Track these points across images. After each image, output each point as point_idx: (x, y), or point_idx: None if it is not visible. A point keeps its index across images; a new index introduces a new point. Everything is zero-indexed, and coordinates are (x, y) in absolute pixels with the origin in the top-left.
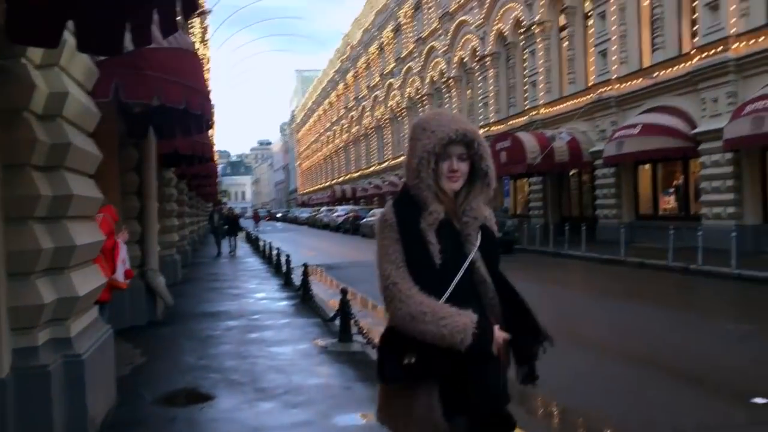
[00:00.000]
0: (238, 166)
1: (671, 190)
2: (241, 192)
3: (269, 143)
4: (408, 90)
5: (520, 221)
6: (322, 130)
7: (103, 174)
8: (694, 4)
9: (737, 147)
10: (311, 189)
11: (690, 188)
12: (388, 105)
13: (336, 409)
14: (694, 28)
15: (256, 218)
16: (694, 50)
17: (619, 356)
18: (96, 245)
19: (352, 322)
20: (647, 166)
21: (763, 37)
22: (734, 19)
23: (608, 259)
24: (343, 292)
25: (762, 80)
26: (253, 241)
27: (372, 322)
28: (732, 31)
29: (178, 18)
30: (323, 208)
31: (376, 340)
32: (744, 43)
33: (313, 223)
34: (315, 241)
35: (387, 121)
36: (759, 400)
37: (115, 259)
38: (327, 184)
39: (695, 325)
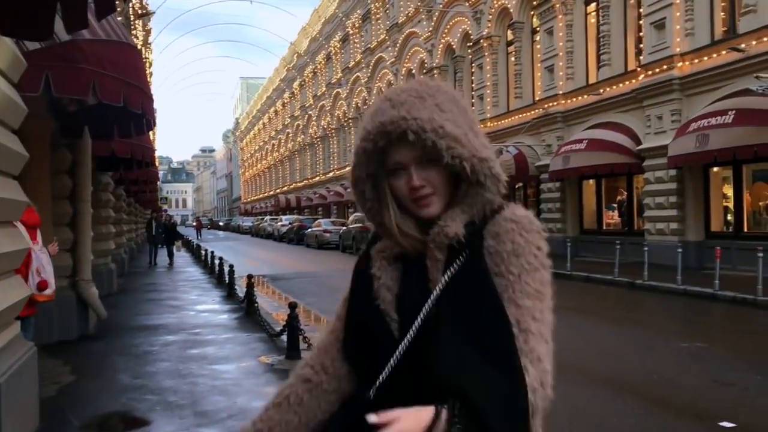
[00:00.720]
0: (180, 173)
1: (615, 205)
2: (182, 199)
3: (212, 150)
4: (355, 100)
5: None
6: (266, 138)
7: (31, 176)
8: (641, 22)
9: (681, 164)
10: (255, 198)
11: (634, 204)
12: (335, 115)
13: None
14: (640, 46)
15: (198, 226)
16: (640, 68)
17: (578, 376)
18: (19, 254)
19: (301, 337)
20: (592, 181)
21: (706, 57)
22: (679, 39)
23: (554, 273)
24: (292, 306)
25: (705, 99)
26: (194, 250)
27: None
28: (677, 50)
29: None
30: (267, 217)
31: None
32: (689, 62)
33: (256, 233)
34: (259, 250)
35: (333, 130)
36: (726, 424)
37: (26, 267)
38: (271, 193)
39: (650, 343)
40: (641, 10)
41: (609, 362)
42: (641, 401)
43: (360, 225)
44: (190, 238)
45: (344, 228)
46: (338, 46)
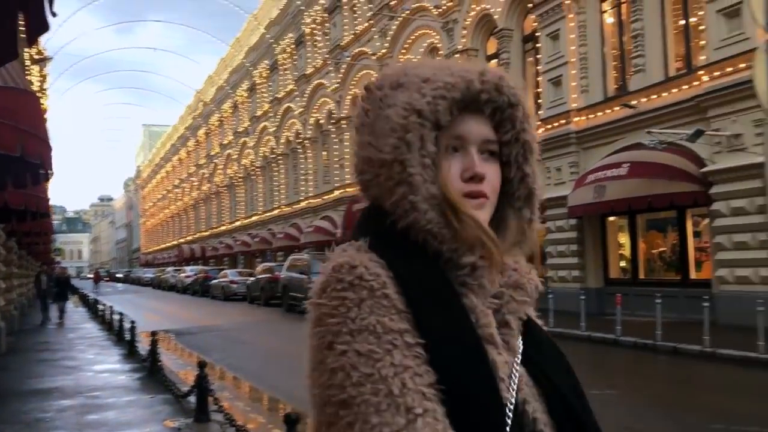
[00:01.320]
0: (75, 223)
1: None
2: (78, 250)
3: (111, 199)
4: (262, 149)
5: None
6: (170, 187)
7: None
8: (539, 79)
9: (580, 214)
10: (156, 248)
11: (536, 252)
12: (242, 163)
13: None
14: (539, 102)
15: (96, 278)
16: (539, 122)
17: None
18: None
19: (211, 398)
20: None
21: (600, 113)
22: (575, 95)
23: None
24: (201, 365)
25: (601, 152)
26: (90, 305)
27: (231, 397)
28: (573, 106)
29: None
30: (170, 268)
31: (238, 418)
32: (584, 117)
33: (158, 284)
34: (161, 303)
35: (240, 179)
36: None
37: None
38: (174, 242)
39: None
40: (539, 67)
41: None
42: None
43: (268, 275)
44: (86, 292)
45: (252, 278)
46: (245, 95)
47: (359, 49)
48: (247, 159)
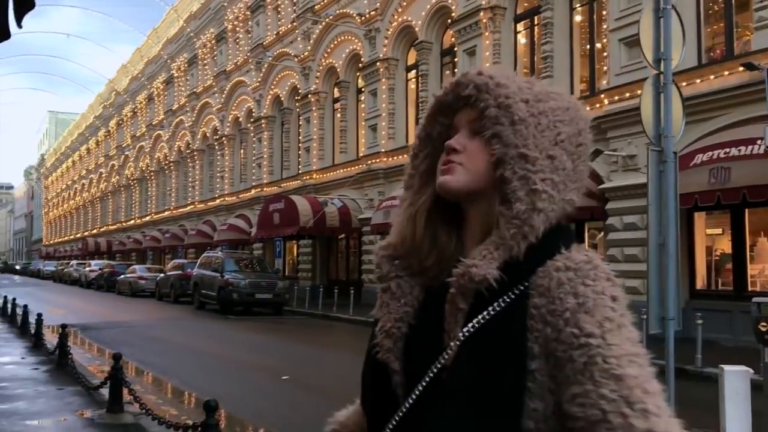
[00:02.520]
0: None
1: None
2: None
3: (11, 187)
4: (178, 144)
5: (290, 283)
6: (76, 178)
7: None
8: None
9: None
10: (59, 240)
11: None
12: (155, 157)
13: None
14: None
15: None
16: None
17: None
18: None
19: (126, 389)
20: None
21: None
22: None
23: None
24: (116, 357)
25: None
26: None
27: (143, 390)
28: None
29: None
30: (73, 262)
31: (154, 408)
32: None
33: (60, 278)
34: (64, 298)
35: (152, 173)
36: None
37: None
38: (78, 235)
39: None
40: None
41: None
42: None
43: (179, 272)
44: None
45: (162, 275)
46: (161, 87)
47: (282, 49)
48: (161, 153)
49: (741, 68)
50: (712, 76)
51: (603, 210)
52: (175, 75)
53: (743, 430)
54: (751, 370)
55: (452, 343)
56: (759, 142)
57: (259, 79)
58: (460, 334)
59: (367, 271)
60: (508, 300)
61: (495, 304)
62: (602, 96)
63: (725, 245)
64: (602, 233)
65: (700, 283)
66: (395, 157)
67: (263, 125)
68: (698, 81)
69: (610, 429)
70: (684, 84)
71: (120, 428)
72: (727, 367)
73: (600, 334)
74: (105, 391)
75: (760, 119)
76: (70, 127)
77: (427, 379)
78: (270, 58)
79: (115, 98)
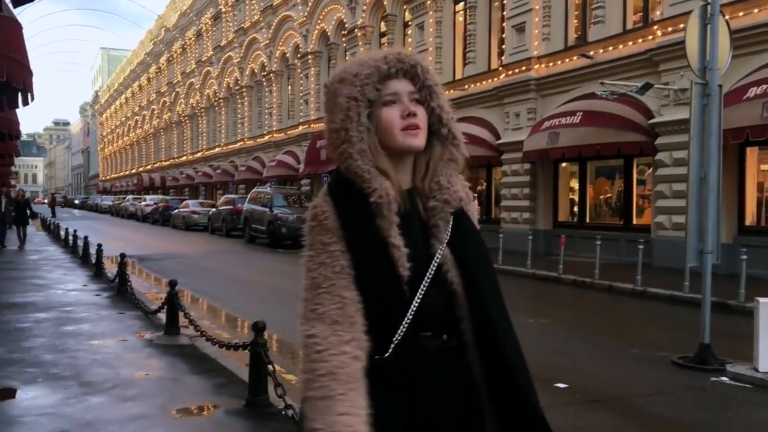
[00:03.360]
0: (30, 146)
1: (476, 195)
2: (32, 175)
3: (67, 123)
4: (226, 80)
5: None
6: (129, 114)
7: None
8: (504, 24)
9: (534, 159)
10: (115, 176)
11: (492, 194)
12: (205, 93)
13: (172, 401)
14: (503, 47)
15: (52, 204)
16: (502, 68)
17: None
18: None
19: (182, 314)
20: None
21: (560, 61)
22: (537, 43)
23: None
24: (172, 283)
25: (558, 99)
26: (51, 229)
27: (197, 316)
28: (534, 54)
29: None
30: (129, 197)
31: (208, 331)
32: (544, 65)
33: (117, 212)
34: (122, 230)
35: (202, 110)
36: (560, 385)
37: None
38: (133, 171)
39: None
40: (504, 13)
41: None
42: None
43: (230, 207)
44: (45, 217)
45: (213, 209)
46: (210, 23)
47: None
48: (210, 89)
49: None
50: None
51: (653, 145)
52: (223, 10)
53: None
54: None
55: (442, 246)
56: None
57: (306, 14)
58: (446, 237)
59: None
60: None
61: (465, 213)
62: (655, 27)
63: None
64: (651, 169)
65: (750, 219)
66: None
67: (310, 61)
68: (756, 11)
69: None
70: (740, 14)
71: (176, 348)
72: (762, 299)
73: (474, 224)
74: (162, 316)
75: None
76: (122, 63)
77: (429, 276)
78: None
79: (164, 34)
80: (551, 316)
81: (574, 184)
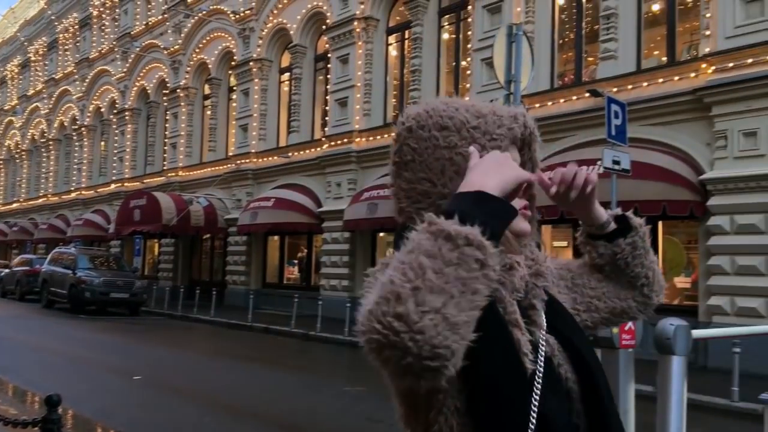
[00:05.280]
0: None
1: (296, 261)
2: None
3: None
4: (31, 131)
5: (149, 282)
6: None
7: None
8: (327, 97)
9: (354, 228)
10: None
11: (312, 261)
12: (5, 145)
13: None
14: (326, 119)
15: None
16: (325, 138)
17: (251, 419)
18: None
19: None
20: (276, 238)
21: (379, 136)
22: (358, 117)
23: (236, 323)
24: None
25: (377, 172)
26: None
27: None
28: (356, 127)
29: None
30: None
31: None
32: (365, 138)
33: None
34: None
35: (1, 162)
36: None
37: None
38: None
39: (319, 387)
40: (328, 86)
41: (281, 405)
42: None
43: (27, 268)
44: None
45: (6, 270)
46: (16, 70)
47: (150, 41)
48: (12, 140)
49: (587, 94)
50: (562, 100)
51: None
52: (32, 58)
53: None
54: None
55: (542, 332)
56: (598, 163)
57: (125, 70)
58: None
59: (231, 272)
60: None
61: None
62: None
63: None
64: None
65: None
66: (265, 158)
67: (127, 117)
68: (550, 104)
69: None
70: (537, 105)
71: None
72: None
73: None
74: None
75: (601, 142)
76: None
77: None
78: (138, 49)
79: None
80: (367, 384)
81: (390, 252)
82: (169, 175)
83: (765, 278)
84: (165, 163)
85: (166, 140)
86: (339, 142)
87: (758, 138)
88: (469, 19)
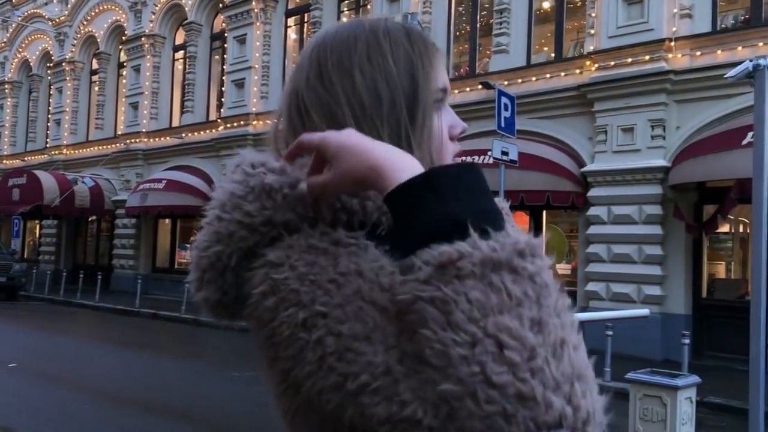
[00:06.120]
0: None
1: (188, 245)
2: None
3: None
4: None
5: (29, 266)
6: None
7: None
8: (223, 77)
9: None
10: None
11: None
12: None
13: None
14: (222, 99)
15: None
16: (220, 119)
17: (135, 406)
18: None
19: None
20: (168, 221)
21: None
22: (255, 99)
23: (122, 309)
24: None
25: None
26: None
27: None
28: (253, 110)
29: None
30: None
31: None
32: (262, 121)
33: None
34: None
35: None
36: None
37: None
38: None
39: (207, 374)
40: (225, 67)
41: (167, 393)
42: (194, 426)
43: None
44: None
45: None
46: None
47: (34, 9)
48: None
49: (480, 86)
50: (456, 91)
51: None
52: None
53: None
54: None
55: None
56: (488, 153)
57: (5, 40)
58: None
59: (119, 256)
60: None
61: None
62: None
63: None
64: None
65: None
66: (157, 139)
67: (7, 91)
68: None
69: None
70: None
71: None
72: None
73: None
74: None
75: (492, 133)
76: None
77: None
78: (19, 18)
79: None
80: (257, 369)
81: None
82: (53, 153)
83: (637, 266)
84: (48, 140)
85: (49, 116)
86: (235, 124)
87: (635, 134)
88: (369, 6)
